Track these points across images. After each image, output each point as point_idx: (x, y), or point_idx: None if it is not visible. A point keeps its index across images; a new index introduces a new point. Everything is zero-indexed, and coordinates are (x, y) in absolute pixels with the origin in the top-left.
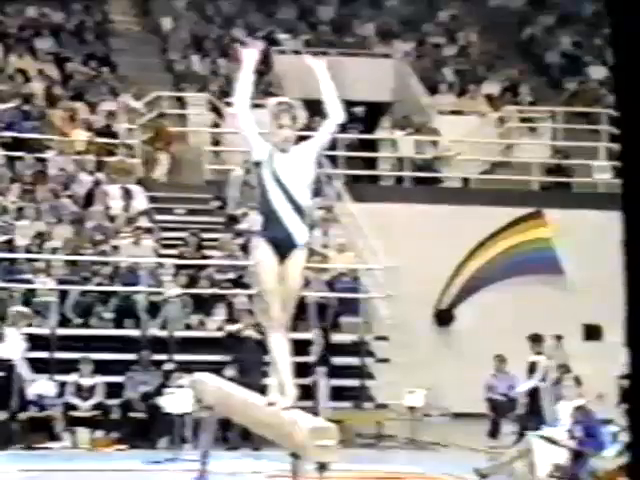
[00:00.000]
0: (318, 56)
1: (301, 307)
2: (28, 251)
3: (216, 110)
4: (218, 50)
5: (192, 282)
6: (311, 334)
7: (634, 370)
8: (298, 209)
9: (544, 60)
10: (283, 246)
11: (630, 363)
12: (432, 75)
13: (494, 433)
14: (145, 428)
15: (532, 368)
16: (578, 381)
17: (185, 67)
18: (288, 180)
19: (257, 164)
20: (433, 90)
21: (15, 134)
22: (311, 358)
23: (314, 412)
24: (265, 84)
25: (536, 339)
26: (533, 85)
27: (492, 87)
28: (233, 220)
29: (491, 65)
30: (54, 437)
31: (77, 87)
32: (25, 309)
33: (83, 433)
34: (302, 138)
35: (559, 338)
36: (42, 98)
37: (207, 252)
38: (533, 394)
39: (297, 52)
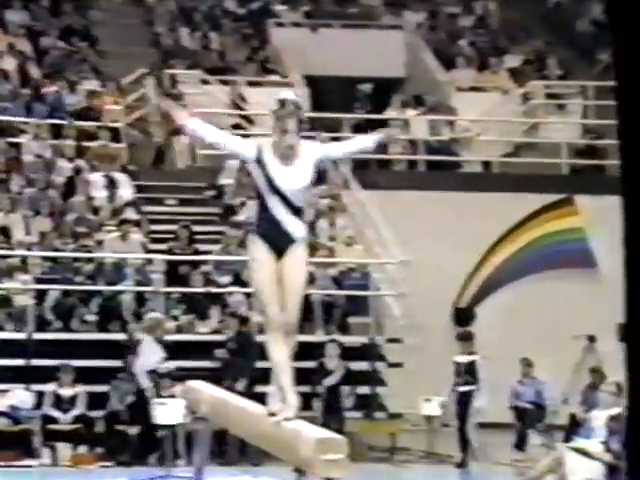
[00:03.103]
0: (319, 28)
1: (305, 306)
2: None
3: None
4: (209, 23)
5: (183, 280)
6: (332, 360)
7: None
8: (294, 210)
9: (573, 30)
10: (279, 241)
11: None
12: (447, 48)
13: (521, 445)
14: (133, 442)
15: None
16: (619, 388)
17: (173, 42)
18: (284, 186)
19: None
20: (449, 65)
21: None
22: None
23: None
24: (262, 59)
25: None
26: (561, 57)
27: (515, 60)
28: (230, 211)
29: (513, 36)
30: (31, 453)
31: (53, 64)
32: (159, 315)
33: (64, 449)
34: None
35: (592, 339)
36: (14, 77)
37: (201, 247)
38: None
39: (297, 24)
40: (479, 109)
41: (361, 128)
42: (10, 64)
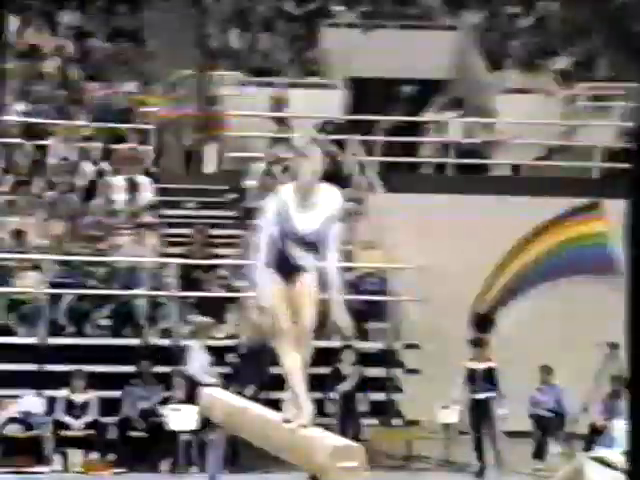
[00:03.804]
0: (374, 30)
1: (321, 311)
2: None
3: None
4: (262, 24)
5: (199, 284)
6: (347, 366)
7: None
8: (308, 247)
9: (630, 31)
10: (289, 271)
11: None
12: (498, 50)
13: (540, 453)
14: (145, 449)
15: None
16: None
17: (221, 43)
18: (300, 227)
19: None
20: (497, 67)
21: (14, 118)
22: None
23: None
24: (306, 61)
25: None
26: (613, 59)
27: (565, 62)
28: (249, 214)
29: (568, 37)
30: (43, 460)
31: (96, 65)
32: (206, 319)
33: (75, 455)
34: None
35: (614, 346)
36: (54, 77)
37: (219, 250)
38: None
39: (350, 25)
40: (521, 111)
41: (394, 131)
42: (52, 66)
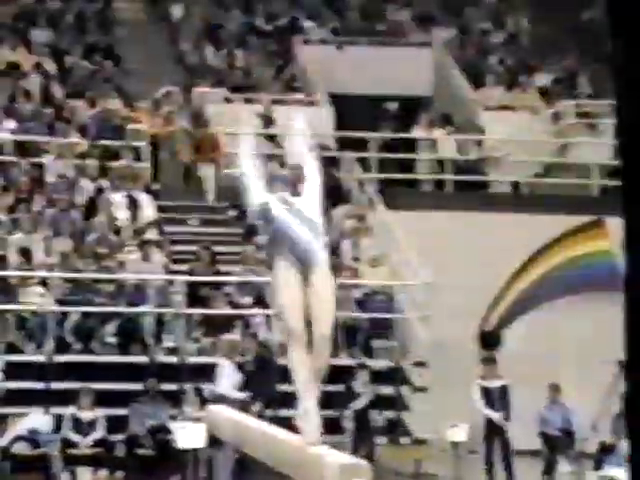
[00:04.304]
0: (345, 46)
1: None
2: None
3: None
4: (235, 41)
5: (204, 301)
6: (360, 384)
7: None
8: (311, 228)
9: (605, 46)
10: (302, 260)
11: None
12: (477, 66)
13: (549, 472)
14: (153, 466)
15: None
16: None
17: (198, 59)
18: (297, 208)
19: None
20: (478, 83)
21: (8, 136)
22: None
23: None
24: (288, 77)
25: None
26: (592, 75)
27: (546, 79)
28: (252, 231)
29: (544, 54)
30: (50, 478)
31: (76, 83)
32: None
33: (83, 473)
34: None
35: (623, 365)
36: (38, 95)
37: (223, 267)
38: None
39: (324, 41)
40: (508, 128)
41: (388, 147)
42: (34, 83)
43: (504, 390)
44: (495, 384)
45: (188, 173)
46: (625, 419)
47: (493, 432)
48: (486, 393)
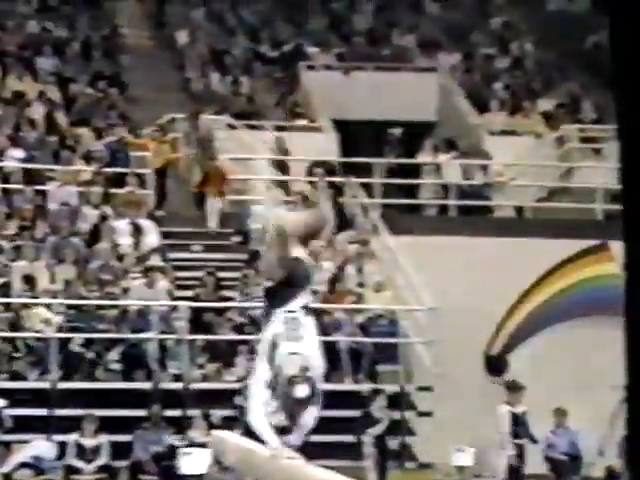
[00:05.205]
0: (351, 71)
1: (333, 354)
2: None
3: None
4: (240, 67)
5: (208, 327)
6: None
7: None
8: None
9: (610, 72)
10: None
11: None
12: (481, 91)
13: None
14: None
15: None
16: None
17: (203, 86)
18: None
19: None
20: (482, 108)
21: (13, 164)
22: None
23: None
24: (291, 103)
25: None
26: (596, 100)
27: (549, 103)
28: (256, 257)
29: (549, 79)
30: None
31: (81, 111)
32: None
33: None
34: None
35: None
36: (42, 124)
37: (227, 293)
38: None
39: (328, 67)
40: (512, 153)
41: (393, 173)
42: (38, 112)
43: (524, 415)
44: (519, 410)
45: (200, 201)
46: (625, 441)
47: (522, 458)
48: (514, 419)
